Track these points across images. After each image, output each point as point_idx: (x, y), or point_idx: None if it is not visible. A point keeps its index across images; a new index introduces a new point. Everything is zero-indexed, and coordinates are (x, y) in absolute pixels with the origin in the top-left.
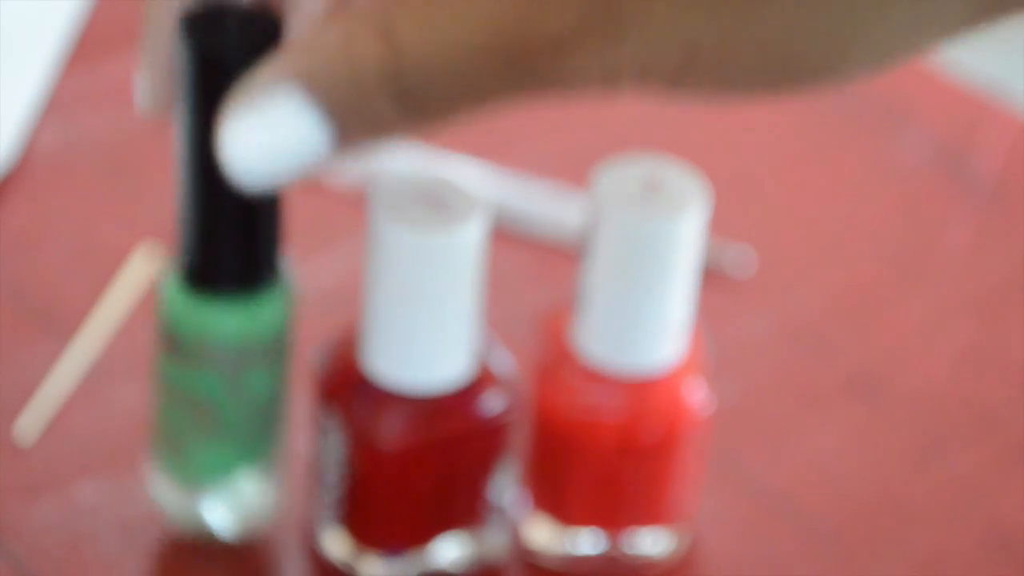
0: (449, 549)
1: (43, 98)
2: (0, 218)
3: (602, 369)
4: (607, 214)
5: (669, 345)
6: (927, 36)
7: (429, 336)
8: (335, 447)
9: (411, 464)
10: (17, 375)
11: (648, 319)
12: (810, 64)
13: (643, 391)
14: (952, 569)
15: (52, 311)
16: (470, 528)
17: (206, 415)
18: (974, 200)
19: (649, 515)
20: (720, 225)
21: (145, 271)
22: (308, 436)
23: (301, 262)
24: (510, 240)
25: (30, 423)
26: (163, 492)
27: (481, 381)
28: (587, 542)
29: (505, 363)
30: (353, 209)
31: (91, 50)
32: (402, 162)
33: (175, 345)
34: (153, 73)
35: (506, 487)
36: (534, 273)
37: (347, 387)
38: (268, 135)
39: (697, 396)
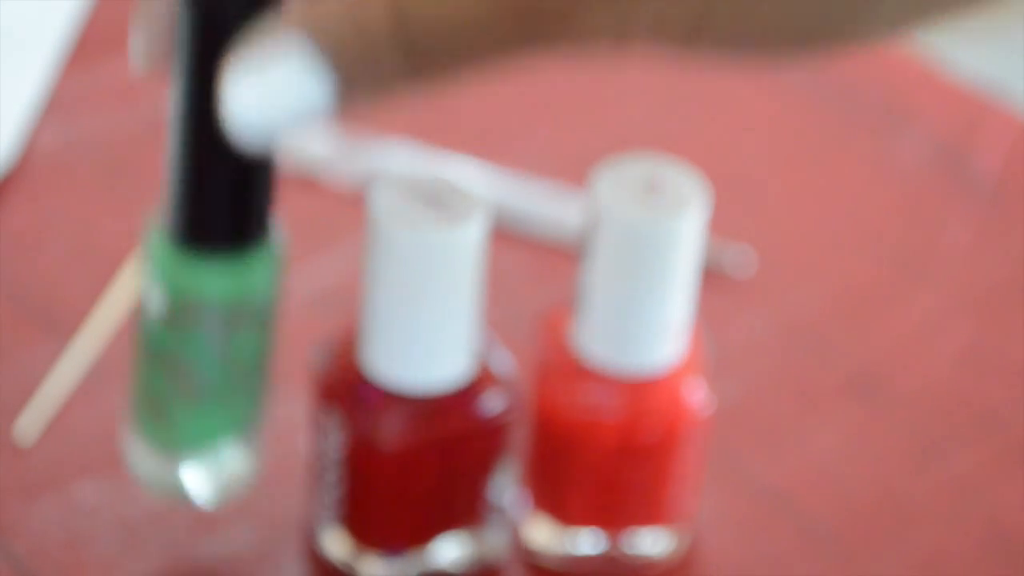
0: (449, 549)
1: (43, 98)
2: (0, 218)
3: (602, 369)
4: (607, 214)
5: (669, 345)
6: None
7: (429, 336)
8: (335, 447)
9: (411, 464)
10: (17, 375)
11: (648, 319)
12: (829, 22)
13: (643, 391)
14: (952, 569)
15: (52, 311)
16: (470, 528)
17: (191, 380)
18: (974, 200)
19: (649, 515)
20: (720, 225)
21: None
22: (308, 436)
23: (301, 262)
24: (510, 240)
25: (30, 423)
26: (141, 459)
27: (481, 381)
28: (587, 542)
29: (505, 363)
30: (353, 209)
31: (91, 50)
32: (402, 162)
33: (162, 306)
34: (149, 28)
35: (506, 487)
36: (534, 273)
37: (347, 387)
38: (272, 87)
39: (697, 396)
